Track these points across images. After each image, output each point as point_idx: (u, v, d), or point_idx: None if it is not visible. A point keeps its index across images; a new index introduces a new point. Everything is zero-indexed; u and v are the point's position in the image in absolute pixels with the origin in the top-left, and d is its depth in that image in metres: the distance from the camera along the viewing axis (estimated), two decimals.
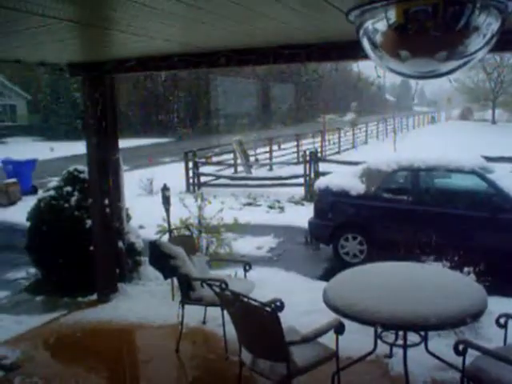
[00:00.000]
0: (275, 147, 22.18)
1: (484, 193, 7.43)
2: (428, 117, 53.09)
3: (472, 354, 3.23)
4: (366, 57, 2.69)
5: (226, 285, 4.03)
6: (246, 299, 3.26)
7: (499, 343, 3.60)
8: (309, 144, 22.51)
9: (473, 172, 7.51)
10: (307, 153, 14.29)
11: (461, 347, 3.14)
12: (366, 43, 2.59)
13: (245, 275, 5.00)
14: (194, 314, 5.05)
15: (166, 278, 5.06)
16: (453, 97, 55.06)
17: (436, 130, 37.83)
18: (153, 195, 13.58)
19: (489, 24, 2.38)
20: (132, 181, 12.76)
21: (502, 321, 3.59)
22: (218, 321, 4.68)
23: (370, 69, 3.80)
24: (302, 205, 12.61)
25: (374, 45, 2.55)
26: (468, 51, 2.45)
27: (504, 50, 3.71)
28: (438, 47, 2.42)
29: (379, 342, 3.99)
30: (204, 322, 5.17)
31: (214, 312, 4.74)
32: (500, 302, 5.07)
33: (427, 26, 2.35)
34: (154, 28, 3.45)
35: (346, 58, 4.14)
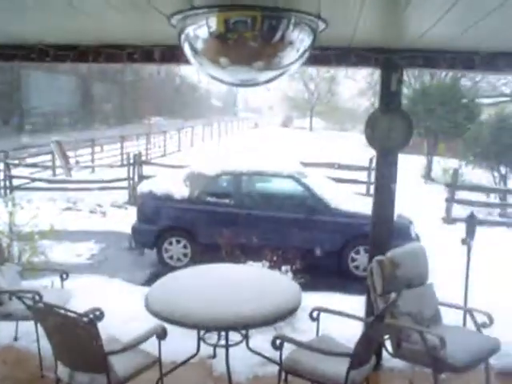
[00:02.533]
0: (98, 149, 21.34)
1: (300, 196, 7.99)
2: (251, 122, 55.59)
3: (291, 348, 3.45)
4: (188, 62, 2.71)
5: (40, 296, 3.75)
6: (62, 311, 3.07)
7: (313, 335, 3.88)
8: (134, 146, 22.07)
9: (290, 177, 8.04)
10: (131, 155, 14.01)
11: (278, 342, 3.34)
12: (187, 48, 2.61)
13: (62, 285, 4.70)
14: (3, 331, 4.62)
15: None
16: (275, 105, 58.21)
17: (258, 135, 39.69)
18: None
19: (302, 40, 2.55)
20: None
21: (314, 314, 3.89)
22: (32, 336, 4.32)
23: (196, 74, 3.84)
24: (126, 209, 12.30)
25: (195, 50, 2.58)
26: (283, 63, 2.60)
27: (315, 64, 4.03)
28: (256, 57, 2.53)
29: (203, 344, 4.05)
30: (16, 339, 4.74)
31: (28, 327, 4.37)
32: (314, 296, 5.48)
33: (246, 36, 2.44)
34: None
35: (169, 62, 4.13)
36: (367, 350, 3.31)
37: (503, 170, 14.40)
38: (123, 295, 5.93)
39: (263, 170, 8.22)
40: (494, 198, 13.76)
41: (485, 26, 2.99)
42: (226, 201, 8.05)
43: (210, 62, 2.60)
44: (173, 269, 5.10)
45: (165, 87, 52.90)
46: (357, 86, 33.63)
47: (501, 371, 4.40)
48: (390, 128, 4.14)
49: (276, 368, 3.58)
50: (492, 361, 4.00)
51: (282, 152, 18.94)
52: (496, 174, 14.64)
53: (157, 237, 8.03)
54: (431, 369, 3.63)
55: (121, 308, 5.09)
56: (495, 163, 14.39)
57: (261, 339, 4.49)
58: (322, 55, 3.95)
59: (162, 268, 7.60)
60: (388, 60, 4.04)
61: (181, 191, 8.04)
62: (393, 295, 3.95)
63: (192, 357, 4.00)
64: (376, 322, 3.25)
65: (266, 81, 2.71)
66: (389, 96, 4.18)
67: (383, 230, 4.39)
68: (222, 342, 3.94)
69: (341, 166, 14.08)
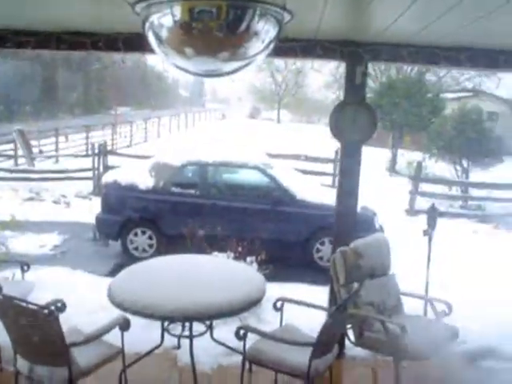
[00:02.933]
0: (62, 138, 20.93)
1: (266, 187, 8.02)
2: (219, 114, 55.34)
3: (255, 338, 3.48)
4: (153, 51, 2.67)
5: (0, 288, 3.67)
6: (22, 303, 3.02)
7: (277, 325, 3.92)
8: (99, 136, 21.73)
9: (256, 168, 8.05)
10: (96, 145, 13.81)
11: (241, 332, 3.37)
12: (151, 37, 2.57)
13: (23, 276, 4.61)
14: None
15: None
16: (243, 96, 58.07)
17: (225, 127, 39.57)
18: None
19: (267, 31, 2.55)
20: None
21: (278, 304, 3.93)
22: None
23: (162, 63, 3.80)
24: (90, 199, 12.12)
25: (159, 39, 2.55)
26: (248, 54, 2.59)
27: (281, 55, 4.04)
28: (221, 47, 2.51)
29: (167, 334, 4.04)
30: None
31: None
32: (279, 287, 5.51)
33: (211, 26, 2.43)
34: None
35: (134, 51, 4.07)
36: (330, 339, 3.36)
37: (465, 163, 14.74)
38: (86, 286, 5.85)
39: (229, 160, 8.21)
40: (455, 191, 14.08)
41: (447, 21, 3.05)
42: (192, 191, 8.03)
43: (175, 51, 2.57)
44: (138, 260, 5.06)
45: (132, 77, 52.16)
46: (323, 78, 33.85)
47: (459, 358, 4.54)
48: (355, 120, 4.19)
49: (239, 358, 3.60)
50: (451, 348, 4.12)
51: (248, 143, 18.95)
52: (458, 167, 14.97)
53: (121, 227, 7.95)
54: (393, 357, 3.71)
55: (84, 299, 5.03)
56: (457, 157, 14.72)
57: (225, 330, 4.50)
58: (288, 47, 3.97)
59: (127, 259, 7.53)
60: (353, 53, 4.08)
61: (146, 181, 7.98)
62: (355, 285, 4.01)
63: (156, 347, 3.99)
64: (338, 312, 3.30)
65: (230, 71, 2.70)
66: (353, 89, 4.22)
67: (347, 221, 4.44)
68: (187, 332, 3.94)
69: (307, 158, 14.16)
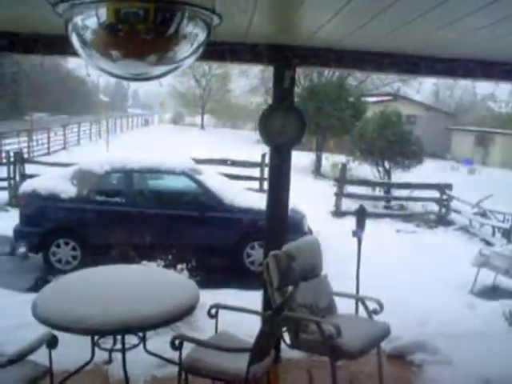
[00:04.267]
0: None
1: (194, 193, 7.93)
2: (142, 119, 54.22)
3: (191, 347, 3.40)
4: (76, 53, 2.55)
5: None
6: None
7: (213, 332, 3.86)
8: (14, 144, 20.69)
9: (183, 173, 7.95)
10: (11, 153, 13.15)
11: (177, 342, 3.28)
12: (74, 39, 2.45)
13: None
14: None
15: None
16: (166, 101, 57.22)
17: (149, 133, 38.97)
18: None
19: (196, 34, 2.50)
20: None
21: (212, 311, 3.87)
22: None
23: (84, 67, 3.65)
24: (7, 211, 11.48)
25: (83, 42, 2.44)
26: (177, 57, 2.53)
27: (210, 59, 4.02)
28: (149, 51, 2.44)
29: (98, 349, 3.87)
30: None
31: None
32: (212, 293, 5.45)
33: (138, 28, 2.35)
34: None
35: (55, 53, 3.89)
36: (266, 343, 3.34)
37: (387, 164, 15.29)
38: (4, 303, 5.52)
39: (155, 166, 8.05)
40: (379, 192, 14.56)
41: (371, 28, 3.13)
42: (117, 199, 7.79)
43: (100, 54, 2.47)
44: (61, 272, 4.85)
45: (48, 81, 50.19)
46: (248, 82, 34.06)
47: (391, 354, 4.68)
48: (283, 124, 4.21)
49: (175, 369, 3.51)
50: (383, 344, 4.23)
51: (174, 149, 18.75)
52: (380, 168, 15.51)
53: (42, 239, 7.58)
54: (328, 357, 3.75)
55: (3, 317, 4.73)
56: (379, 158, 15.25)
57: (161, 341, 4.38)
58: (217, 50, 3.93)
59: (50, 272, 7.18)
60: (282, 57, 4.11)
61: (68, 190, 7.65)
62: (289, 288, 4.03)
63: (86, 364, 3.80)
64: (274, 316, 3.29)
65: (158, 75, 2.63)
66: (282, 93, 4.25)
67: (278, 224, 4.46)
68: (119, 345, 3.80)
69: (234, 163, 14.16)
